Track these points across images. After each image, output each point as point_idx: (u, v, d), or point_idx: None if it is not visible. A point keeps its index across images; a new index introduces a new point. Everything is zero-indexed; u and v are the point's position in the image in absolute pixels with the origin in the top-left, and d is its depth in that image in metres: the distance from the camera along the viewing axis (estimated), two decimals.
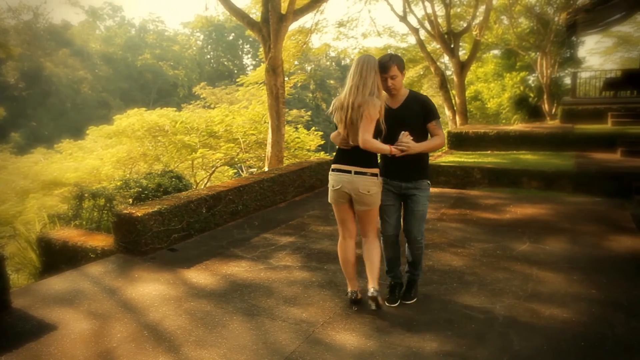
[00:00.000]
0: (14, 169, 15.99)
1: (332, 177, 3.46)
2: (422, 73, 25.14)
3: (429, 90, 27.35)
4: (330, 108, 3.42)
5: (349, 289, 3.62)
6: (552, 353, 2.91)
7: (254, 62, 66.80)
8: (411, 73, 24.99)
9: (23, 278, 6.02)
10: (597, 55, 42.97)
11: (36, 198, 12.39)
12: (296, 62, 22.44)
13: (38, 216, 8.42)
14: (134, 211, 4.99)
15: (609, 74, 16.86)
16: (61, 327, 3.41)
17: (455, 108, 19.31)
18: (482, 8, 18.87)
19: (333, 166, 3.47)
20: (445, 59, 23.60)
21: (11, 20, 50.49)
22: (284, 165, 9.55)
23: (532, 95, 23.35)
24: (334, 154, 3.56)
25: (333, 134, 3.51)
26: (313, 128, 19.27)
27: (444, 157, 10.29)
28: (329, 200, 3.54)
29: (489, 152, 10.88)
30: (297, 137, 16.93)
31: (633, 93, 15.61)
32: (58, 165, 15.45)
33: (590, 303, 3.57)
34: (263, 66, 12.82)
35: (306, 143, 17.06)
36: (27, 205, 11.80)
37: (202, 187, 10.15)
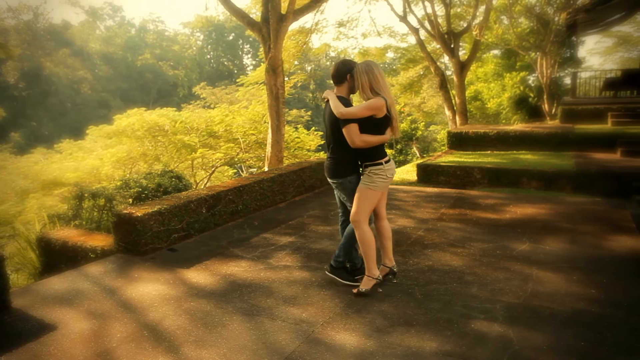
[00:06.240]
0: (13, 169, 15.95)
1: (388, 167, 3.70)
2: (422, 73, 25.12)
3: (429, 90, 27.32)
4: (380, 108, 3.56)
5: (379, 275, 3.83)
6: (552, 353, 2.91)
7: (254, 62, 66.89)
8: (411, 73, 24.98)
9: (23, 278, 6.02)
10: (597, 55, 43.03)
11: (36, 198, 12.37)
12: (296, 62, 22.44)
13: (38, 216, 8.41)
14: (133, 211, 4.99)
15: (609, 74, 16.84)
16: (61, 327, 3.41)
17: (455, 108, 19.33)
18: (482, 8, 18.88)
19: (385, 159, 3.70)
20: (445, 59, 23.60)
21: (11, 20, 50.63)
22: (284, 165, 9.54)
23: (532, 95, 23.33)
24: (368, 150, 3.69)
25: (379, 137, 3.65)
26: (313, 128, 19.31)
27: (444, 157, 10.29)
28: (379, 189, 3.70)
29: (489, 152, 10.88)
30: (297, 137, 16.94)
31: (633, 93, 15.62)
32: (58, 165, 15.43)
33: (590, 303, 3.57)
34: (263, 66, 12.83)
35: (306, 143, 17.08)
36: (27, 205, 11.79)
37: (202, 187, 10.14)
